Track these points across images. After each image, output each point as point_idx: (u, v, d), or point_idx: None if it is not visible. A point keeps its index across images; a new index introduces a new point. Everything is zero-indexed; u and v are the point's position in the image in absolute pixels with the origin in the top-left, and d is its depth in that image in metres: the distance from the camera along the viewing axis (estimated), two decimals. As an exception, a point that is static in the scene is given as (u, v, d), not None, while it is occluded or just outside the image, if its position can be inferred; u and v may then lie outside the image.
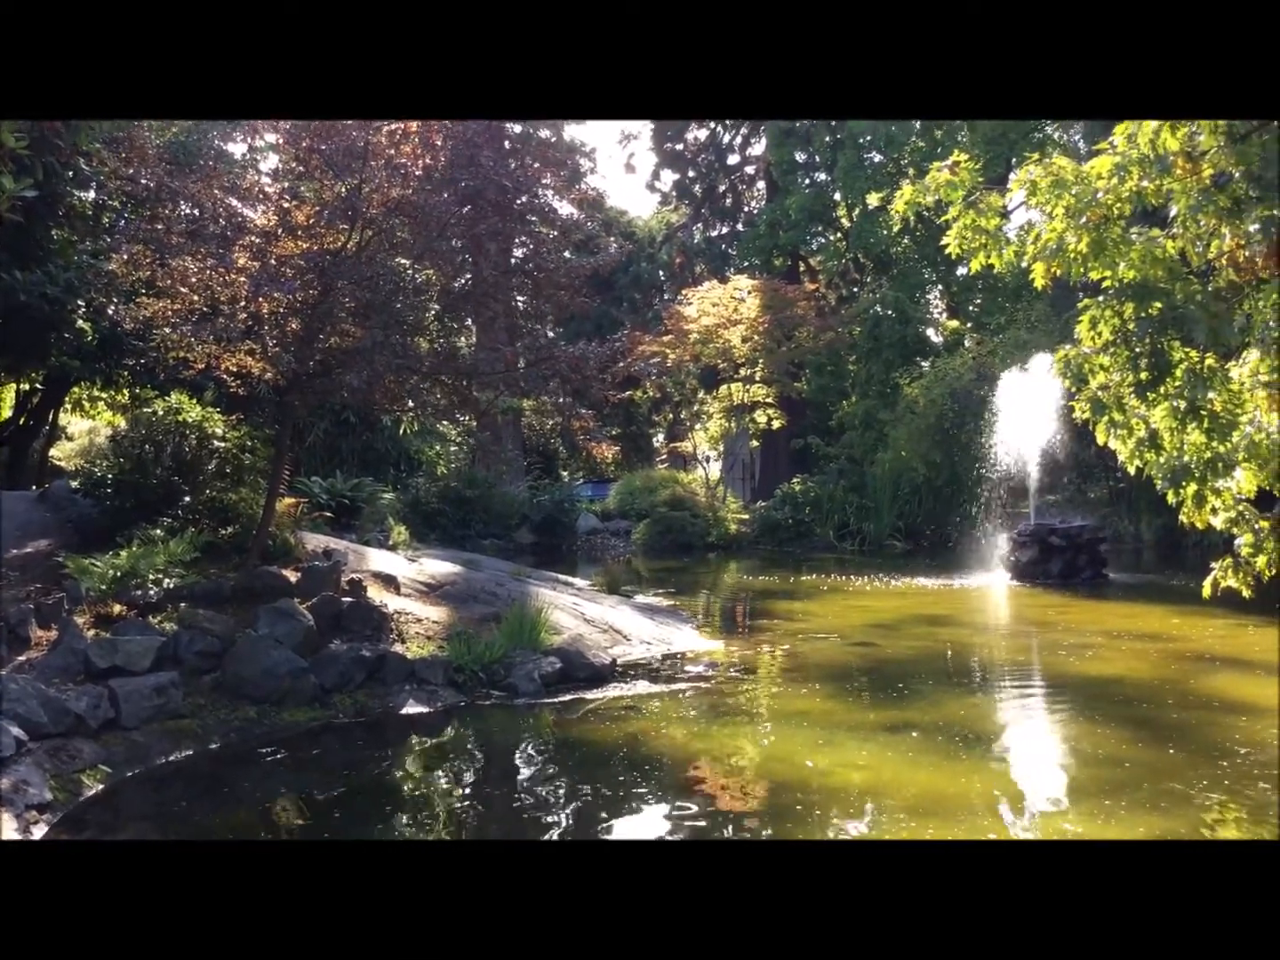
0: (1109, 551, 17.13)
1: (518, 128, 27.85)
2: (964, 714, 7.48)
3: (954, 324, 32.07)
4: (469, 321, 17.23)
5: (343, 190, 9.32)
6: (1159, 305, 5.31)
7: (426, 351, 10.31)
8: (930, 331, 32.04)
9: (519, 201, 10.78)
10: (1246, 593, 5.88)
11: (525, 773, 6.53)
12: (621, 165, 69.03)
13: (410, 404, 10.96)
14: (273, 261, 9.15)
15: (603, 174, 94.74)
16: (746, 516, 26.67)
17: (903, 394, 26.01)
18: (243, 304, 9.28)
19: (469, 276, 11.41)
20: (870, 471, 25.70)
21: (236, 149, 16.46)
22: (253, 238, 9.45)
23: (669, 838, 5.16)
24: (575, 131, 38.96)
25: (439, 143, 9.36)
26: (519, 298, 12.35)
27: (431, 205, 9.24)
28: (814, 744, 6.70)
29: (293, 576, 9.20)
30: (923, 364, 27.56)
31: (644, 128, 40.62)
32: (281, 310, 9.32)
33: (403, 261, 10.28)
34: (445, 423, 22.91)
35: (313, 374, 9.59)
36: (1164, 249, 5.35)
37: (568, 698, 8.15)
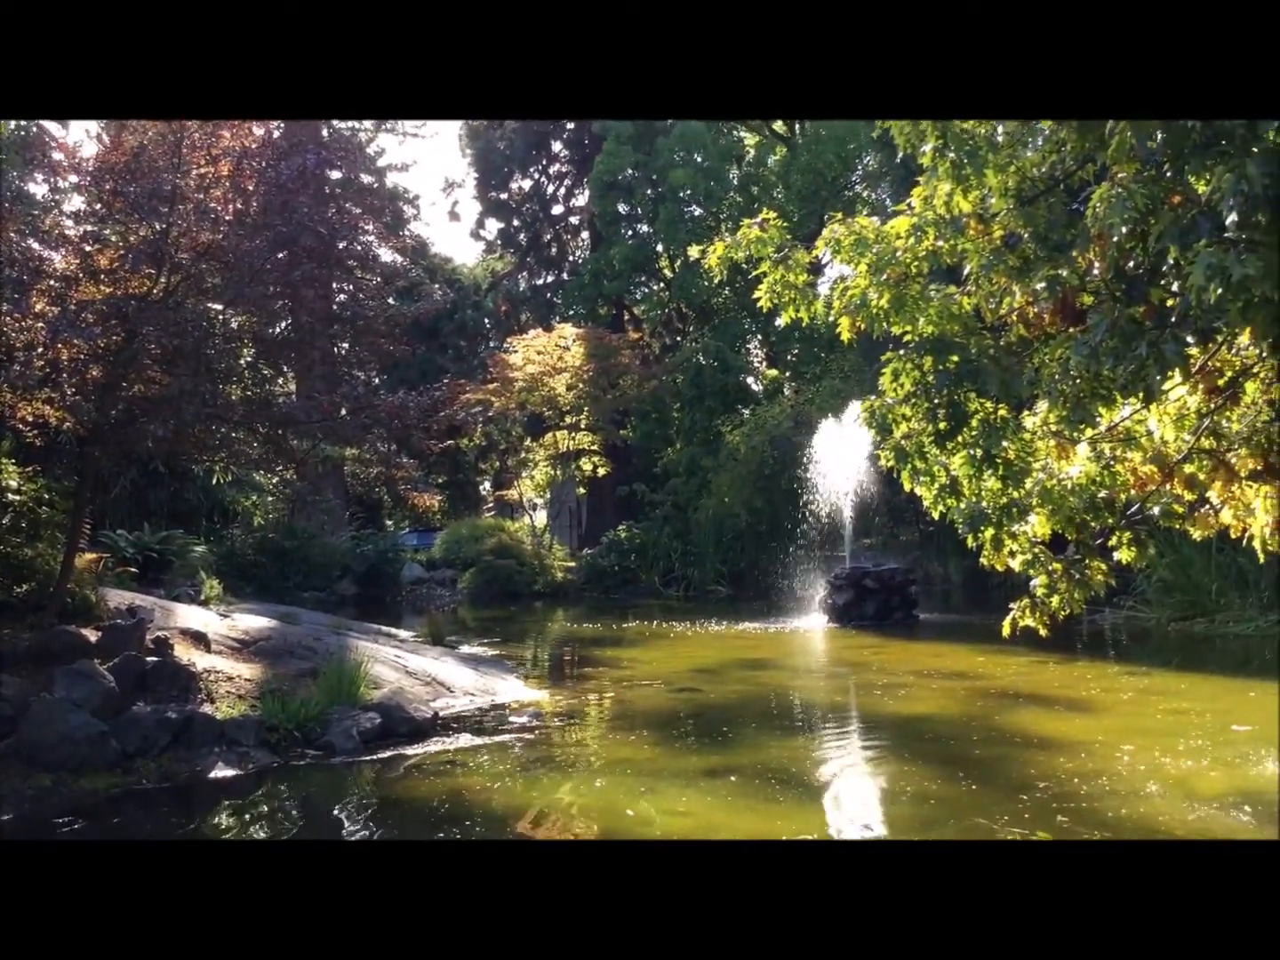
0: (920, 593, 17.80)
1: (337, 174, 27.46)
2: (783, 756, 7.60)
3: (773, 373, 32.98)
4: (288, 369, 16.81)
5: (149, 234, 9.01)
6: (955, 359, 5.55)
7: (239, 399, 10.00)
8: (750, 380, 32.89)
9: (339, 247, 10.62)
10: (1043, 631, 6.17)
11: (341, 834, 6.32)
12: (445, 213, 68.56)
13: (222, 454, 10.60)
14: (73, 306, 8.74)
15: (426, 221, 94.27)
16: (573, 564, 26.70)
17: (725, 441, 26.55)
18: (40, 350, 8.83)
19: (289, 322, 11.16)
20: (694, 518, 26.09)
21: (38, 189, 15.76)
22: (51, 281, 9.02)
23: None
24: (398, 178, 38.62)
25: (250, 188, 9.16)
26: (340, 345, 12.15)
27: (243, 251, 9.01)
28: (636, 792, 6.70)
29: (93, 636, 8.73)
30: (744, 412, 28.20)
31: (468, 176, 40.63)
32: (82, 357, 8.90)
33: (214, 307, 9.98)
34: (262, 472, 22.23)
35: (116, 423, 9.18)
36: (960, 305, 5.62)
37: (388, 754, 7.94)
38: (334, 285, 11.21)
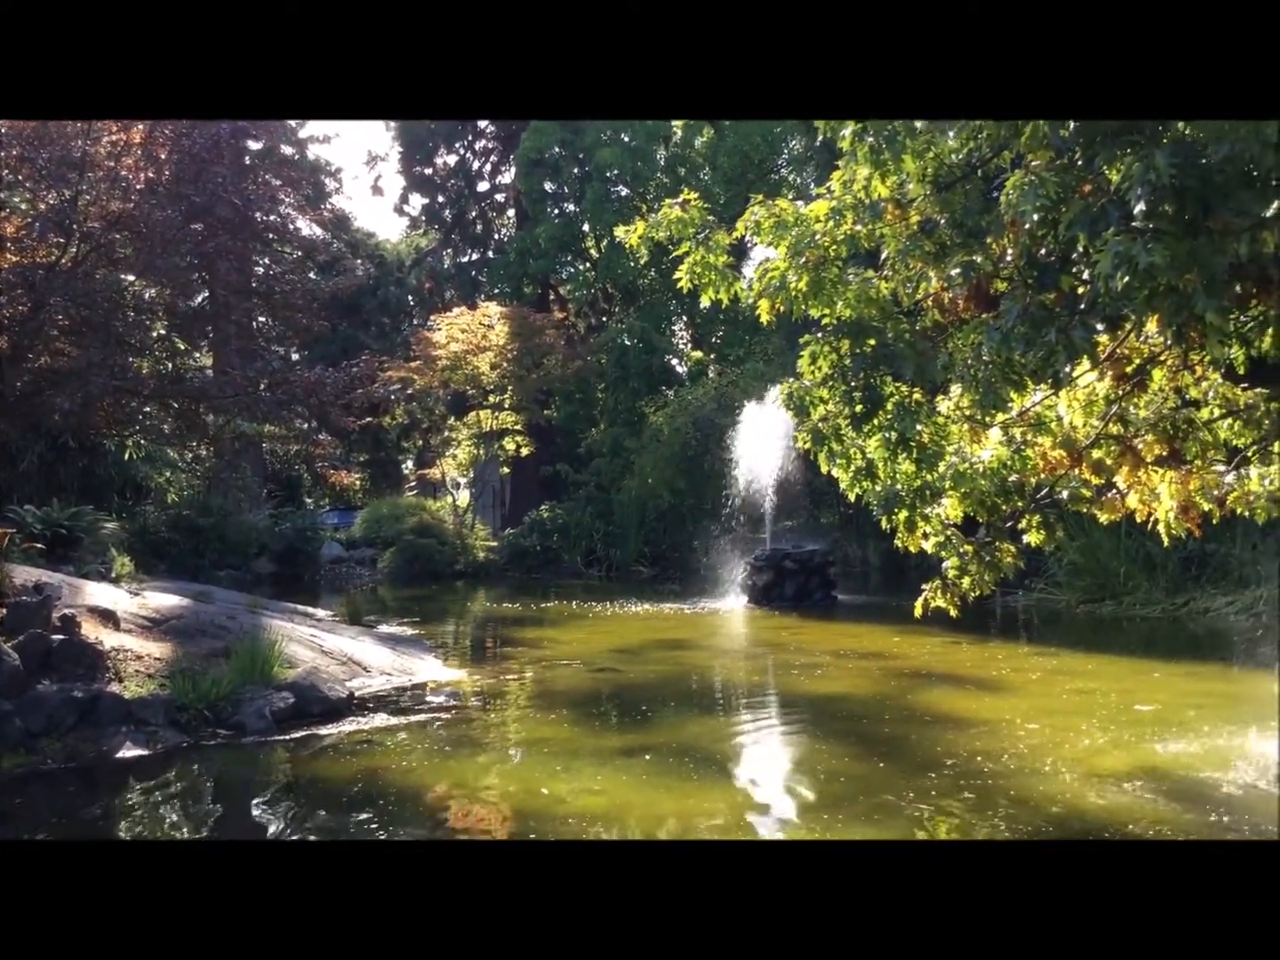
0: (839, 574, 18.02)
1: (257, 144, 26.89)
2: (699, 735, 7.66)
3: (698, 355, 33.08)
4: (203, 343, 16.47)
5: (57, 201, 8.75)
6: (872, 342, 5.60)
7: (150, 373, 9.78)
8: (675, 361, 32.94)
9: (256, 219, 10.41)
10: (954, 612, 6.29)
11: (250, 814, 6.23)
12: (369, 187, 67.36)
13: (133, 428, 10.36)
14: (-26, 274, 8.48)
15: (349, 195, 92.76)
16: (495, 544, 26.58)
17: (648, 422, 26.58)
18: (-61, 319, 8.56)
19: (205, 295, 10.93)
20: (617, 498, 26.11)
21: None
22: (-48, 248, 8.74)
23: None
24: (320, 150, 37.92)
25: (163, 156, 8.93)
26: (258, 319, 11.93)
27: (155, 220, 8.80)
28: (553, 771, 6.70)
29: (-5, 613, 8.49)
30: (668, 393, 28.25)
31: (392, 149, 40.05)
32: (-15, 326, 8.65)
33: (126, 278, 9.73)
34: (176, 448, 21.79)
35: (21, 395, 8.93)
36: (878, 290, 5.66)
37: (301, 734, 7.84)
38: (252, 258, 10.96)
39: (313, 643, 10.65)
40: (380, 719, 8.31)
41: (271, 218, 11.19)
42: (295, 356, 32.06)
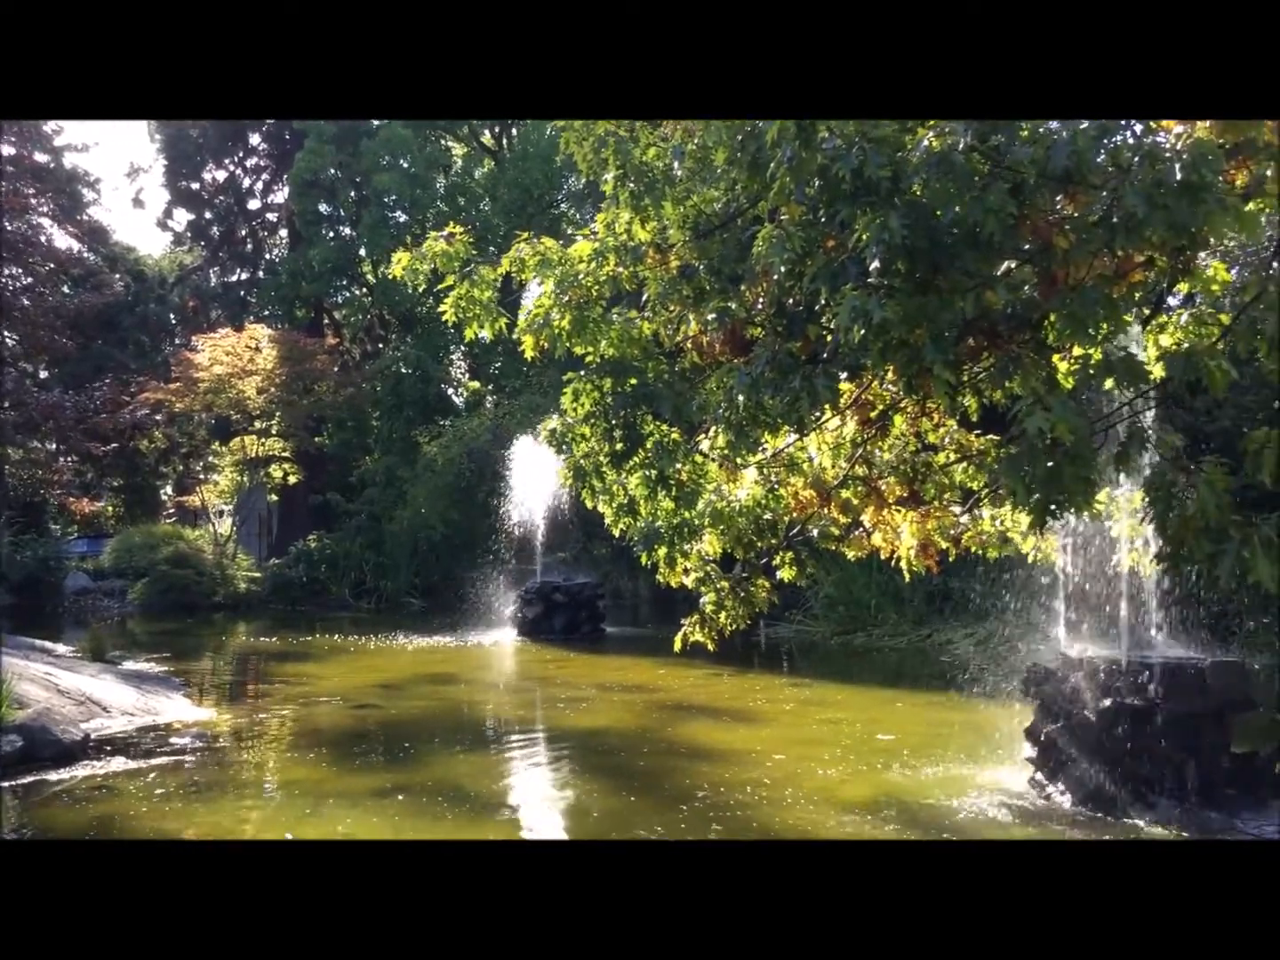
0: (609, 607, 18.21)
1: (8, 149, 25.23)
2: (458, 773, 7.56)
3: (475, 385, 32.89)
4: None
5: None
6: (633, 381, 5.72)
7: None
8: (452, 391, 32.65)
9: (4, 228, 9.76)
10: (711, 646, 6.40)
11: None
12: (130, 199, 63.90)
13: None
14: None
15: (108, 207, 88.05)
16: (259, 575, 25.57)
17: (423, 452, 26.21)
18: None
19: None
20: (389, 529, 25.60)
21: None
22: None
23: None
24: (78, 159, 35.82)
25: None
26: (7, 335, 11.17)
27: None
28: (300, 815, 6.47)
29: None
30: (444, 423, 27.93)
31: (156, 162, 38.20)
32: None
33: None
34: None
35: None
36: (640, 330, 5.78)
37: (29, 779, 7.32)
38: (-5, 268, 10.24)
39: (47, 681, 9.97)
40: (118, 763, 7.85)
41: (19, 226, 10.46)
42: (42, 375, 30.15)
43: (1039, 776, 6.99)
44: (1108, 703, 6.61)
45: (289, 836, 6.02)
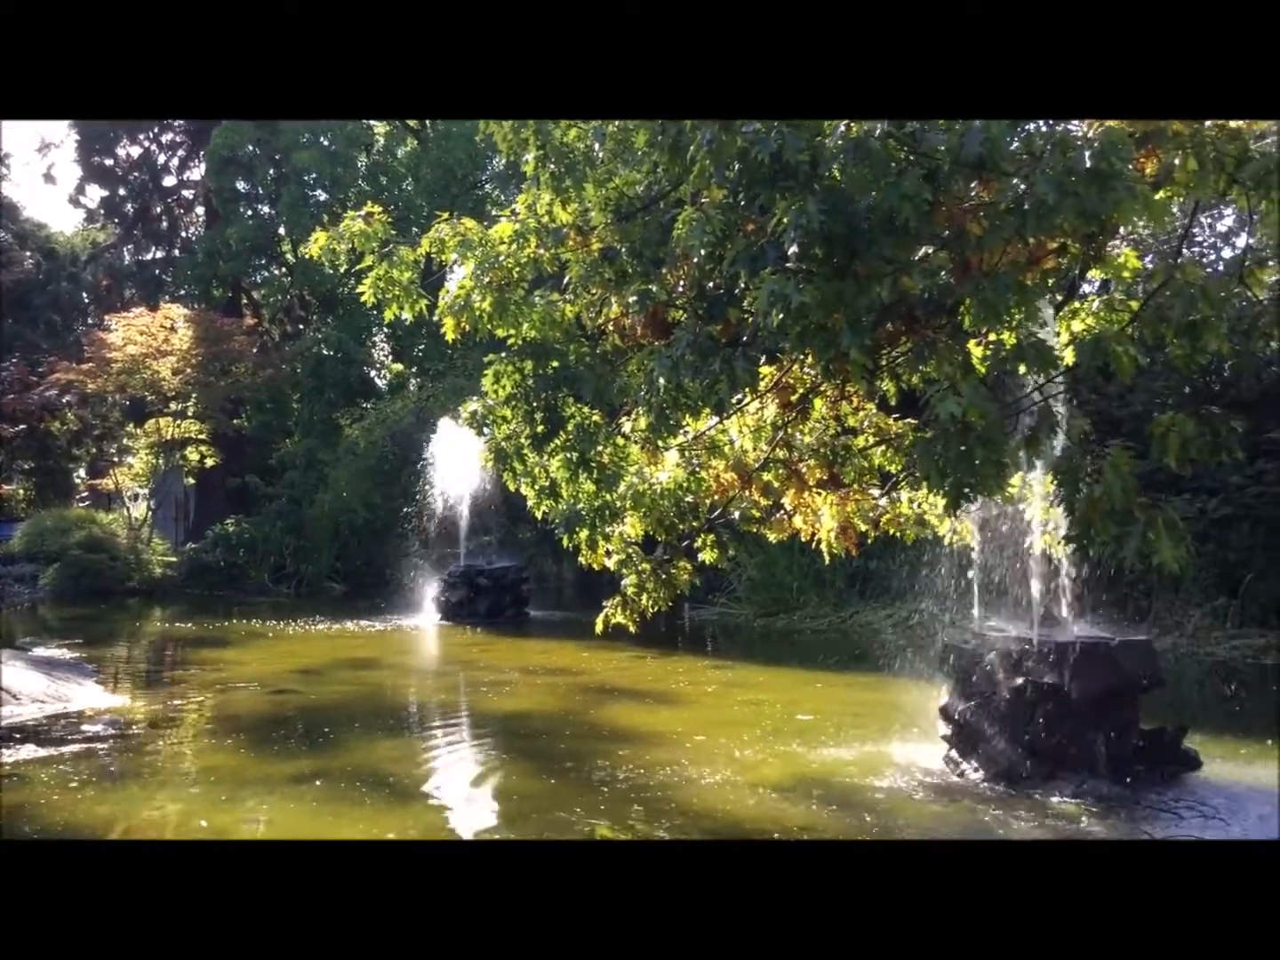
0: (532, 590, 18.16)
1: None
2: (378, 758, 7.50)
3: (398, 367, 32.54)
4: None
5: None
6: (555, 364, 5.70)
7: None
8: (374, 373, 32.26)
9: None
10: (633, 629, 6.45)
11: None
12: (40, 175, 62.08)
13: None
14: None
15: (17, 182, 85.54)
16: (175, 559, 25.08)
17: (345, 435, 25.88)
18: None
19: None
20: (310, 512, 25.24)
21: None
22: None
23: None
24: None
25: None
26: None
27: None
28: (215, 803, 6.37)
29: None
30: (366, 405, 27.59)
31: (68, 137, 37.18)
32: None
33: None
34: None
35: None
36: (562, 312, 5.75)
37: (-69, 771, 7.12)
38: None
39: (-49, 669, 9.70)
40: (27, 751, 7.66)
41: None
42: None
43: (953, 754, 7.12)
44: (1019, 681, 6.76)
45: (204, 824, 5.94)
